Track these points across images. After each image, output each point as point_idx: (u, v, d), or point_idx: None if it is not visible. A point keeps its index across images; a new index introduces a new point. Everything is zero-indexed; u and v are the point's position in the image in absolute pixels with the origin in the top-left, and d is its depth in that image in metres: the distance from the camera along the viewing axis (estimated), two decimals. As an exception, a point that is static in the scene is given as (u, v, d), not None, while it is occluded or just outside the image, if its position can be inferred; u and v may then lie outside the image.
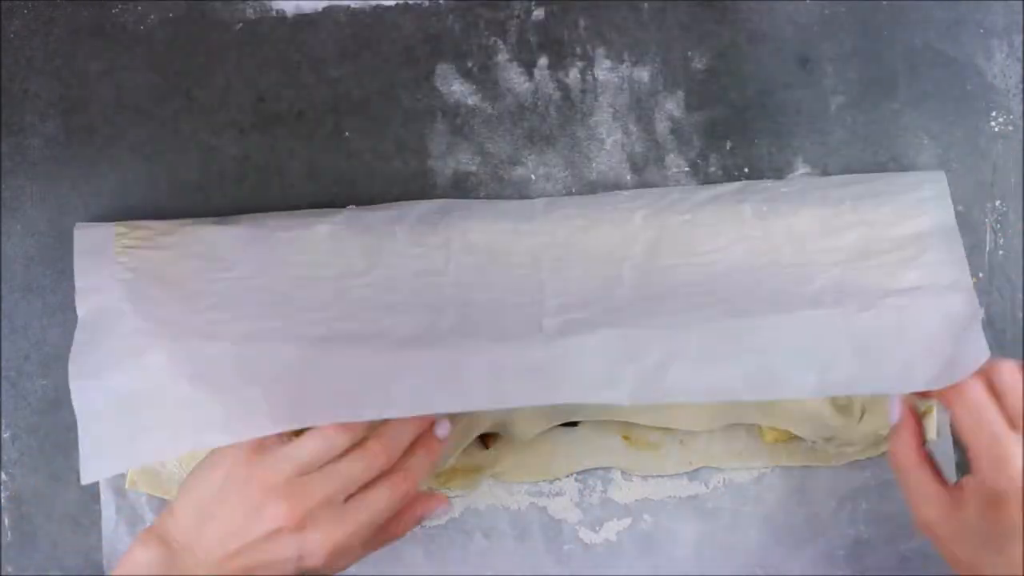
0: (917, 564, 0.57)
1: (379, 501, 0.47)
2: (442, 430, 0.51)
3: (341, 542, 0.46)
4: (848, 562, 0.58)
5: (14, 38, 0.60)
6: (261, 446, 0.47)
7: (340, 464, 0.47)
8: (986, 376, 0.46)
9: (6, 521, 0.59)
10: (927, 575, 0.57)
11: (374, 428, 0.49)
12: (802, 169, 0.57)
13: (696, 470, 0.58)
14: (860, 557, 0.57)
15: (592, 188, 0.58)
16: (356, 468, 0.47)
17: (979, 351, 0.47)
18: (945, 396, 0.47)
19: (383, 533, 0.49)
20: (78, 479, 0.59)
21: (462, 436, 0.54)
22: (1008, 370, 0.46)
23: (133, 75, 0.59)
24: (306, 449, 0.47)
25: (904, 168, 0.58)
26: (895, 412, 0.49)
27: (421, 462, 0.49)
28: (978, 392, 0.46)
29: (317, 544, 0.46)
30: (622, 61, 0.58)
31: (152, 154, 0.59)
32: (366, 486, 0.48)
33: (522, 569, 0.58)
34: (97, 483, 0.58)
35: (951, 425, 0.49)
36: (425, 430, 0.50)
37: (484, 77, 0.58)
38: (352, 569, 0.57)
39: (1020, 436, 0.44)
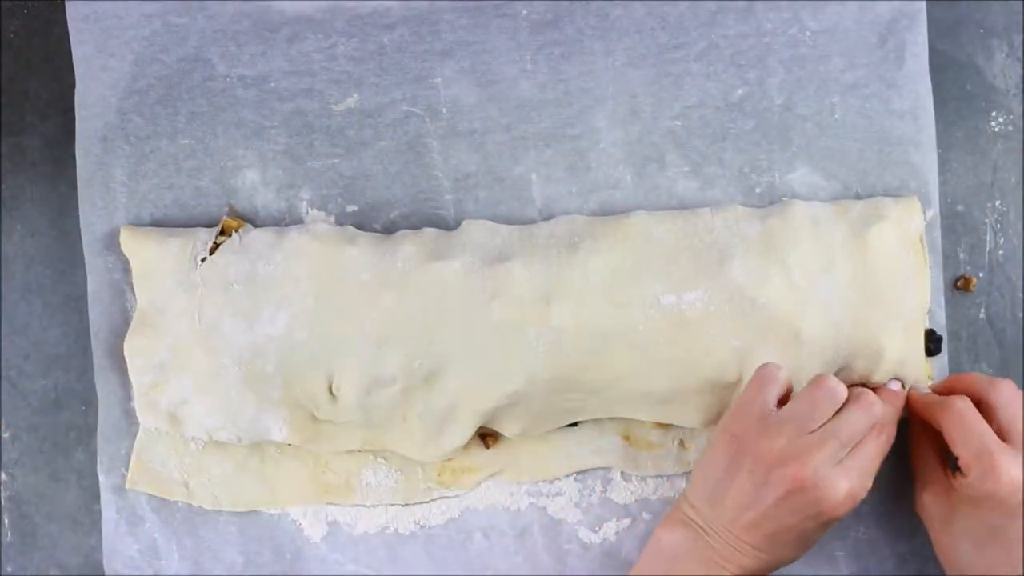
0: (917, 564, 0.57)
1: (871, 452, 0.49)
2: (895, 384, 0.54)
3: (852, 492, 0.48)
4: (848, 562, 0.58)
5: (14, 38, 0.60)
6: (760, 417, 0.49)
7: (840, 421, 0.49)
8: (972, 391, 0.51)
9: (6, 521, 0.60)
10: (926, 575, 0.57)
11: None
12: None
13: (696, 470, 0.58)
14: (860, 557, 0.57)
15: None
16: (857, 422, 0.49)
17: None
18: (933, 412, 0.51)
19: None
20: (78, 479, 0.60)
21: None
22: (1008, 388, 0.50)
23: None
24: (805, 407, 0.49)
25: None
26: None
27: (891, 413, 0.52)
28: (965, 406, 0.50)
29: (830, 500, 0.47)
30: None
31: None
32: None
33: (522, 569, 0.58)
34: (97, 483, 0.58)
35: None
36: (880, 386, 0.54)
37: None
38: (352, 569, 0.57)
39: (1011, 448, 0.48)
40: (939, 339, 0.56)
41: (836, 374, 0.54)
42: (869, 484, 0.49)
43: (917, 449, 0.54)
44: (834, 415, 0.49)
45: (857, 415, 0.49)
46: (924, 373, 0.56)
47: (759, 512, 0.48)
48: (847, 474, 0.48)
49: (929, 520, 0.53)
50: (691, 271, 0.54)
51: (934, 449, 0.53)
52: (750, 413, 0.50)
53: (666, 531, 0.51)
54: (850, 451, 0.49)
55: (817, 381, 0.50)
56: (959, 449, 0.49)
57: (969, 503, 0.50)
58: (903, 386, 0.54)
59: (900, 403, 0.53)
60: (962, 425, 0.49)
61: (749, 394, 0.50)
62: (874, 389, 0.53)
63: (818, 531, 0.49)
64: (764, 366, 0.51)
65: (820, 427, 0.49)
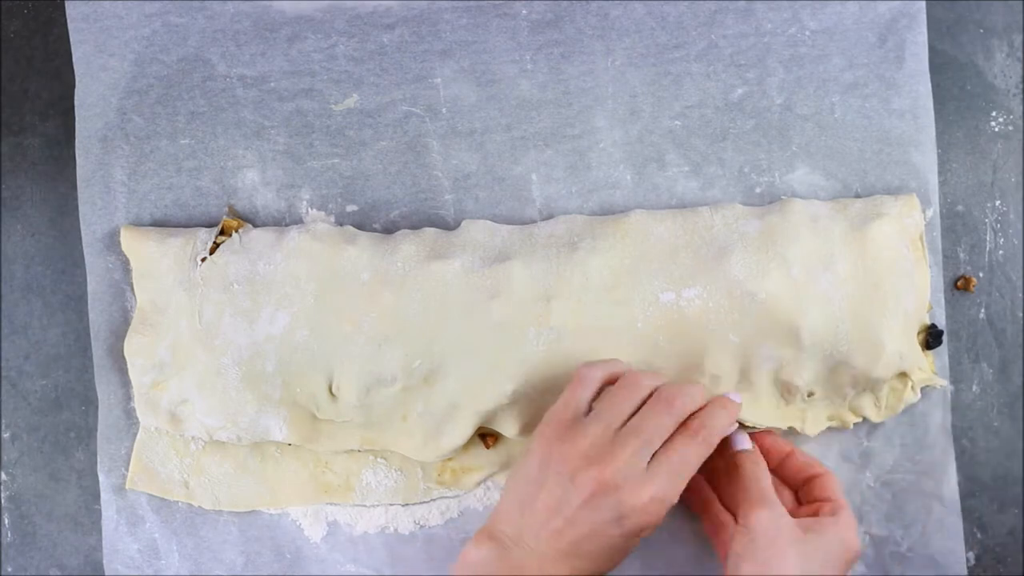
0: (917, 564, 0.57)
1: (684, 455, 0.48)
2: (737, 396, 0.52)
3: (657, 495, 0.47)
4: (848, 562, 0.58)
5: (14, 38, 0.60)
6: (572, 420, 0.49)
7: (641, 420, 0.48)
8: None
9: (6, 521, 0.60)
10: (926, 575, 0.57)
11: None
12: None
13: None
14: (860, 557, 0.57)
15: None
16: (658, 421, 0.48)
17: None
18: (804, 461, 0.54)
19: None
20: (78, 479, 0.60)
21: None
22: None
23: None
24: (607, 404, 0.49)
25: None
26: (743, 442, 0.53)
27: (720, 418, 0.50)
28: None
29: (633, 502, 0.46)
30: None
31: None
32: (669, 441, 0.48)
33: (522, 569, 0.58)
34: (97, 483, 0.58)
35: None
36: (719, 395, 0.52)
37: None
38: (352, 569, 0.57)
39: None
40: (939, 333, 0.56)
41: (835, 369, 0.54)
42: (680, 488, 0.48)
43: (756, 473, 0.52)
44: (637, 412, 0.49)
45: (657, 411, 0.48)
46: (925, 368, 0.56)
47: (565, 517, 0.47)
48: (653, 478, 0.47)
49: (755, 533, 0.49)
50: (690, 268, 0.54)
51: (767, 475, 0.52)
52: (562, 416, 0.49)
53: (474, 547, 0.48)
54: (662, 454, 0.48)
55: (622, 377, 0.50)
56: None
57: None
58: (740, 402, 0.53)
59: (733, 414, 0.51)
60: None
61: (563, 397, 0.50)
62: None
63: (626, 541, 0.48)
64: (581, 367, 0.51)
65: (624, 425, 0.48)
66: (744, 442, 0.53)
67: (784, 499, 0.54)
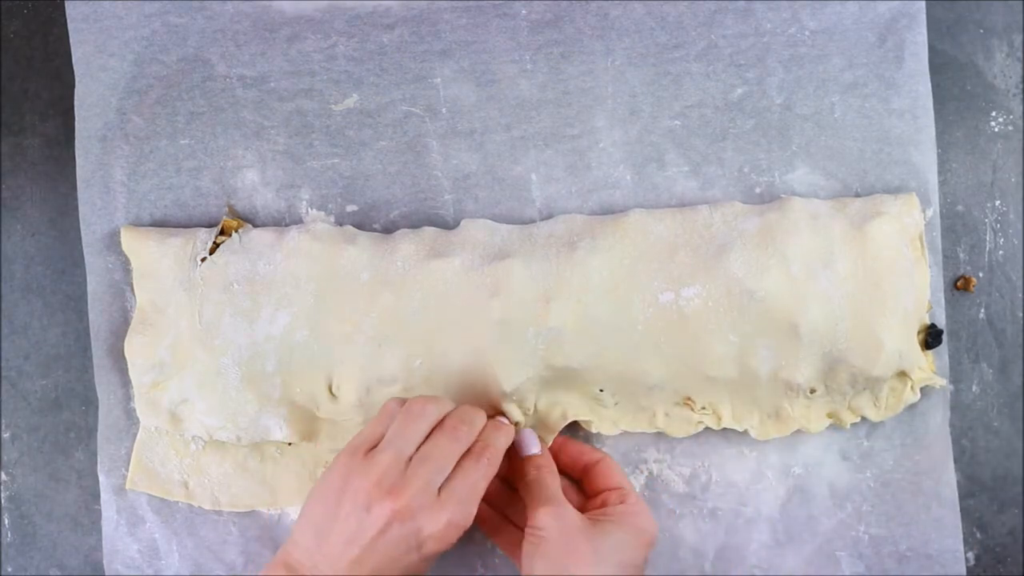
0: (917, 564, 0.57)
1: (472, 479, 0.49)
2: (503, 422, 0.54)
3: (452, 521, 0.48)
4: (848, 562, 0.58)
5: (14, 38, 0.60)
6: (367, 450, 0.49)
7: (430, 448, 0.49)
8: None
9: (6, 521, 0.60)
10: (926, 575, 0.57)
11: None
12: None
13: (695, 471, 0.58)
14: (860, 557, 0.57)
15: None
16: (447, 448, 0.49)
17: None
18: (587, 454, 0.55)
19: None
20: (78, 479, 0.60)
21: None
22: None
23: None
24: (398, 434, 0.49)
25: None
26: (530, 446, 0.54)
27: (499, 439, 0.51)
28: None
29: (430, 529, 0.47)
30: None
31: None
32: (458, 466, 0.49)
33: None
34: (97, 483, 0.58)
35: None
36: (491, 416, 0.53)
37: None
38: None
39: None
40: (939, 333, 0.56)
41: (834, 367, 0.54)
42: (473, 511, 0.49)
43: (540, 476, 0.53)
44: (426, 441, 0.49)
45: (443, 439, 0.49)
46: (924, 367, 0.56)
47: (362, 546, 0.47)
48: (446, 504, 0.47)
49: (542, 531, 0.50)
50: (689, 266, 0.54)
51: (554, 477, 0.53)
52: (358, 447, 0.49)
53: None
54: (453, 480, 0.48)
55: (406, 406, 0.50)
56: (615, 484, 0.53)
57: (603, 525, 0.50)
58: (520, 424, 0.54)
59: (508, 435, 0.52)
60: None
61: (363, 429, 0.50)
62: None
63: (425, 563, 0.48)
64: (387, 403, 0.51)
65: (416, 453, 0.48)
66: (531, 447, 0.54)
67: (572, 497, 0.54)
